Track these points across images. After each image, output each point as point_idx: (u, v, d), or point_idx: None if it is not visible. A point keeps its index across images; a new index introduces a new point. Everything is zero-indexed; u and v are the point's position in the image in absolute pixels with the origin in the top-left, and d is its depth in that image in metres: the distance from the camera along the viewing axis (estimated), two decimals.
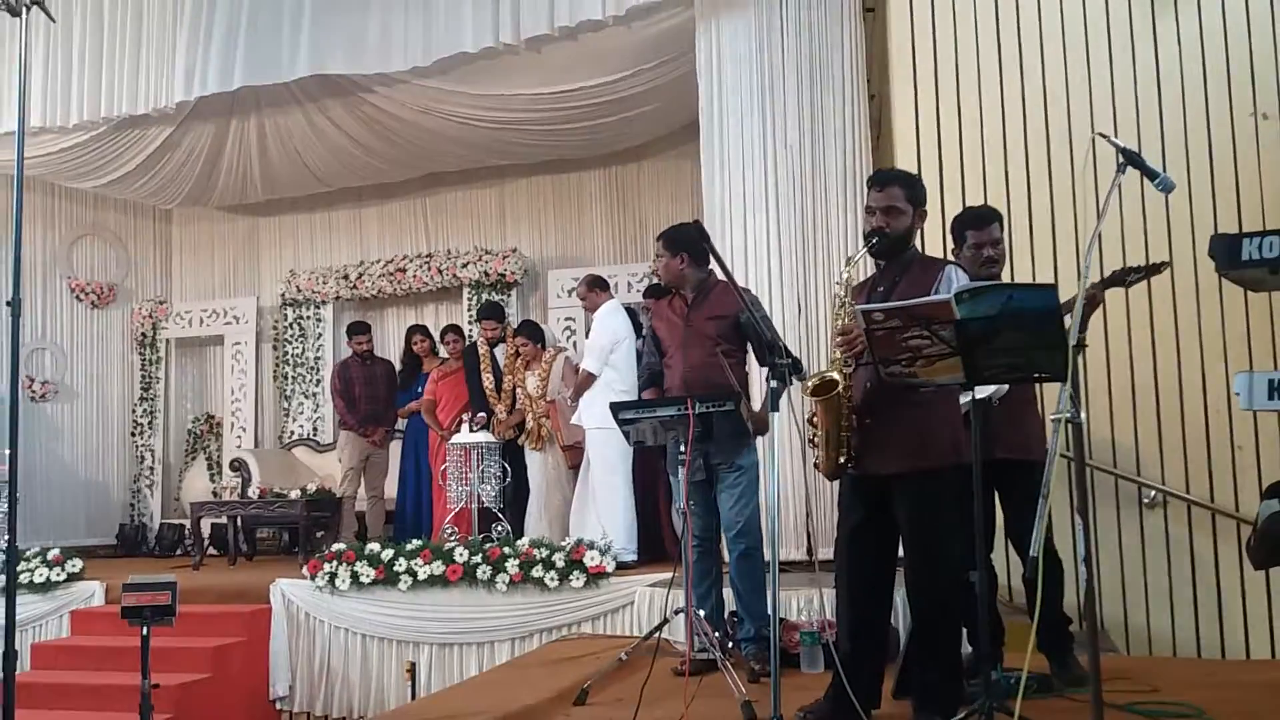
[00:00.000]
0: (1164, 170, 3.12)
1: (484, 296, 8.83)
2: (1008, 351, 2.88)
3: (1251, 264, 2.49)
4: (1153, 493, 5.18)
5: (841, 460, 3.33)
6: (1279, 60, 5.26)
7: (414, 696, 5.51)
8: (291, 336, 9.82)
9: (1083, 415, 2.95)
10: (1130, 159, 3.06)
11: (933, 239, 5.27)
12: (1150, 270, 3.77)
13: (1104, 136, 3.17)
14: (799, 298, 6.00)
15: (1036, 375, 3.19)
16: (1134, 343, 5.25)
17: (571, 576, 5.54)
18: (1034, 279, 5.12)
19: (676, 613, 4.10)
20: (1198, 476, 5.16)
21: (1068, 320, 2.91)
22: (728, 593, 4.52)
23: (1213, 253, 2.81)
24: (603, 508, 6.11)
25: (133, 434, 10.03)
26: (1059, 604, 3.82)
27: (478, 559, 5.70)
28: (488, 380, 7.22)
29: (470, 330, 8.49)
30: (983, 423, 3.74)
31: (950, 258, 4.02)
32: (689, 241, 4.44)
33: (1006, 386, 3.69)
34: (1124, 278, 3.76)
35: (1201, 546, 5.13)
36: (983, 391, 3.70)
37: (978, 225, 3.93)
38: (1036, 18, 5.57)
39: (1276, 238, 2.62)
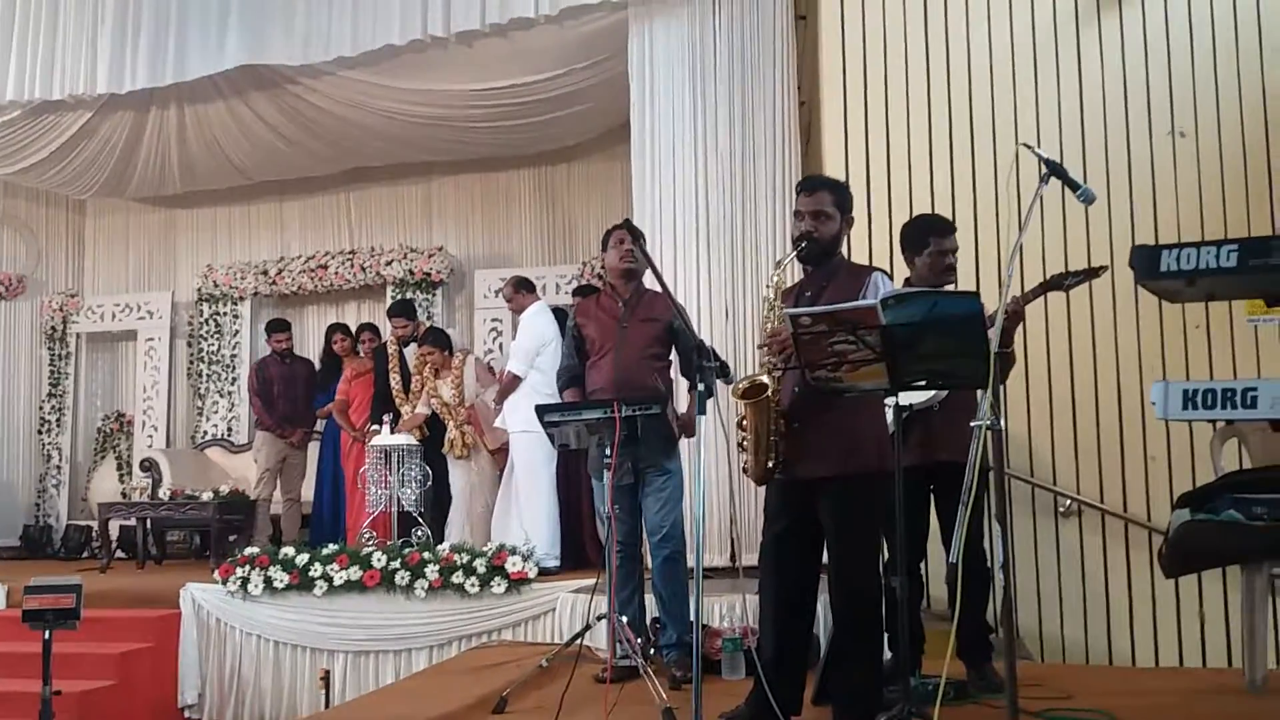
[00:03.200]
0: (1085, 183, 3.15)
1: (409, 295, 8.68)
2: (931, 358, 2.90)
3: (1170, 275, 2.52)
4: (1068, 502, 5.26)
5: (770, 465, 3.31)
6: (1196, 81, 5.39)
7: (328, 705, 5.37)
8: (207, 333, 9.57)
9: (1002, 423, 2.97)
10: (1053, 170, 3.10)
11: (859, 246, 5.31)
12: (1088, 274, 3.82)
13: (1028, 147, 3.21)
14: (728, 302, 6.02)
15: (959, 382, 3.21)
16: (1052, 353, 5.33)
17: (493, 583, 5.45)
18: (956, 287, 5.16)
19: (598, 619, 4.04)
20: (1112, 486, 5.26)
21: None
22: (650, 599, 4.48)
23: (1133, 263, 2.85)
24: (526, 513, 6.03)
25: (39, 431, 9.68)
26: (982, 612, 3.85)
27: (396, 564, 5.58)
28: (395, 380, 7.09)
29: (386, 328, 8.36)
30: (923, 427, 3.80)
31: (877, 265, 4.04)
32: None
33: (944, 393, 3.72)
34: (1062, 281, 3.80)
35: (1115, 555, 5.22)
36: (920, 397, 3.74)
37: (942, 232, 3.97)
38: (964, 30, 5.64)
39: (1194, 250, 2.66)
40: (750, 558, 5.12)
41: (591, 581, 4.24)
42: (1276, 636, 4.55)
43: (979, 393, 2.95)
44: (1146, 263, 2.47)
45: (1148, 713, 3.43)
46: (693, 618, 3.22)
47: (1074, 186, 3.09)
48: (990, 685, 3.66)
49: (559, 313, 6.44)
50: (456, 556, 5.56)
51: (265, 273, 9.39)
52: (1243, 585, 3.76)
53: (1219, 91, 5.36)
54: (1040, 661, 4.99)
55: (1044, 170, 3.08)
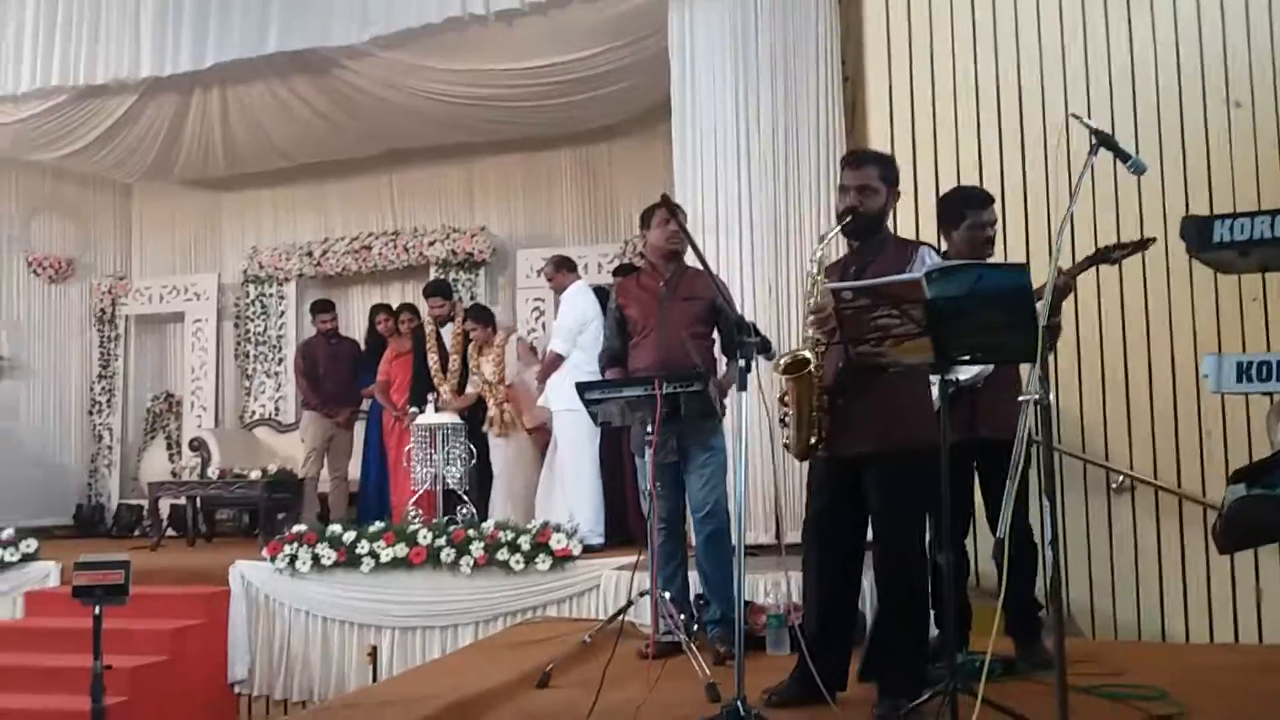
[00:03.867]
0: (1136, 153, 3.08)
1: (452, 275, 8.72)
2: (978, 332, 2.84)
3: (1223, 246, 2.46)
4: (1121, 478, 5.18)
5: (812, 441, 3.29)
6: (1252, 50, 5.25)
7: (375, 680, 5.43)
8: (254, 314, 9.68)
9: (1051, 397, 2.92)
10: (1103, 140, 3.02)
11: (905, 220, 5.23)
12: (1137, 246, 3.75)
13: (1077, 118, 3.13)
14: (770, 279, 5.97)
15: (1006, 356, 3.16)
16: (1105, 327, 5.24)
17: (537, 559, 5.47)
18: (1006, 259, 5.08)
19: (641, 595, 4.05)
20: (1166, 462, 5.17)
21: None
22: (694, 575, 4.48)
23: (1184, 234, 2.78)
24: (570, 490, 6.05)
25: (90, 412, 9.85)
26: (1030, 588, 3.80)
27: (441, 542, 5.61)
28: (433, 360, 7.11)
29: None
30: (969, 403, 3.75)
31: (924, 239, 3.98)
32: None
33: (990, 368, 3.66)
34: (1110, 254, 3.73)
35: (1168, 532, 5.14)
36: (966, 373, 3.69)
37: (980, 205, 3.92)
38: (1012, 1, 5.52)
39: (1247, 220, 2.60)
40: (794, 535, 5.09)
41: (635, 558, 4.24)
42: None
43: (1024, 368, 2.90)
44: (1199, 234, 2.41)
45: (1202, 689, 3.37)
46: (736, 594, 3.20)
47: (1124, 157, 3.01)
48: (1039, 662, 3.62)
49: (600, 292, 6.43)
50: (501, 534, 5.58)
51: (310, 254, 9.47)
52: None
53: (1276, 61, 5.21)
54: (1092, 638, 4.94)
55: (1094, 141, 3.01)
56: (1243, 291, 5.09)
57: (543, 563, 5.46)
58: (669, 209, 4.07)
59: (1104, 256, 3.72)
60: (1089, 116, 4.92)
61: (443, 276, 8.64)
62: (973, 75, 5.55)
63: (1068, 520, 5.14)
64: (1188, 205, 5.15)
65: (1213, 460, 5.05)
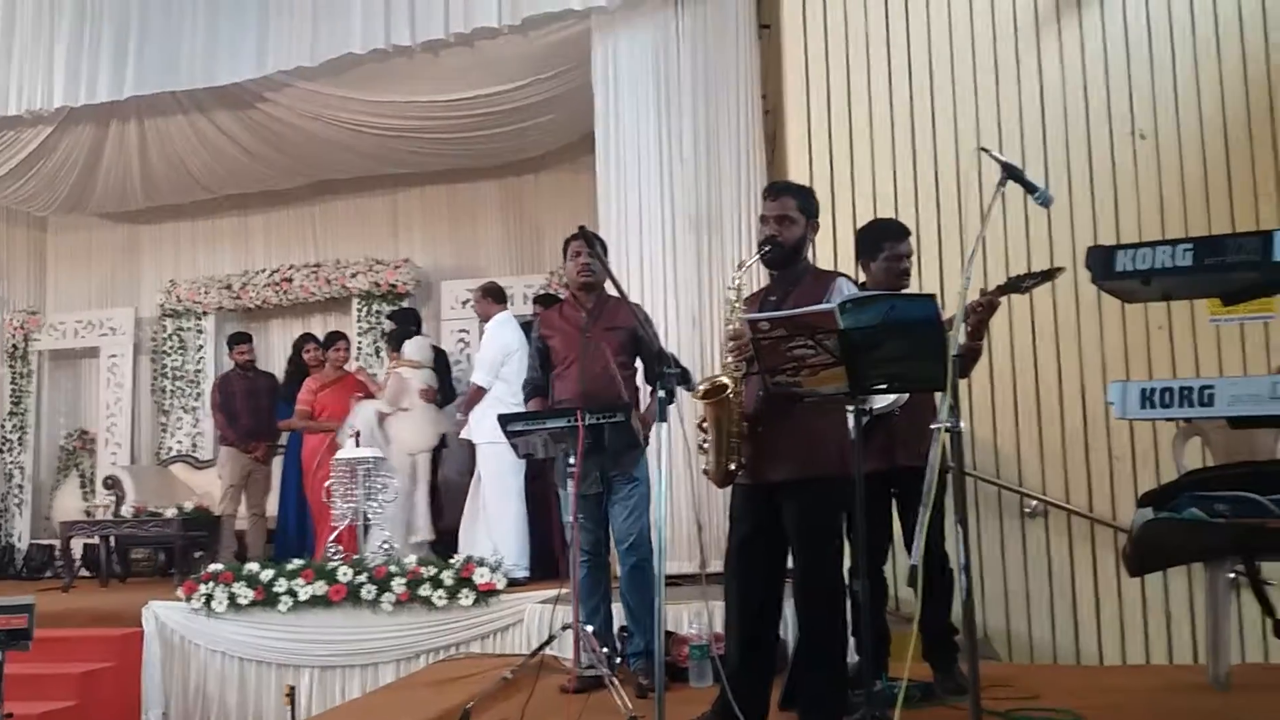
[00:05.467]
0: (1046, 185, 3.16)
1: (374, 307, 8.64)
2: (890, 361, 2.89)
3: (1125, 275, 2.53)
4: (1034, 502, 5.28)
5: (731, 467, 3.31)
6: (1155, 83, 5.44)
7: None
8: (171, 349, 9.46)
9: (963, 424, 2.97)
10: (1011, 173, 3.10)
11: (825, 252, 5.31)
12: (1046, 275, 3.83)
13: (986, 151, 3.21)
14: (694, 309, 6.01)
15: (917, 385, 3.21)
16: (1016, 355, 5.36)
17: (460, 595, 5.40)
18: (922, 290, 5.18)
19: (563, 629, 4.01)
20: (1077, 486, 5.28)
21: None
22: (619, 607, 4.46)
23: (1089, 264, 2.86)
24: (494, 523, 5.98)
25: (1, 451, 9.52)
26: (946, 614, 3.85)
27: (362, 578, 5.52)
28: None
29: (359, 342, 8.32)
30: (885, 432, 3.80)
31: (843, 271, 4.04)
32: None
33: (905, 396, 3.72)
34: (1020, 283, 3.81)
35: (1081, 555, 5.24)
36: (881, 402, 3.75)
37: (896, 237, 3.99)
38: (926, 35, 5.67)
39: (1149, 250, 2.67)
40: (718, 564, 5.10)
41: (558, 592, 4.20)
42: (1241, 632, 4.59)
43: (939, 396, 2.95)
44: (1102, 263, 2.47)
45: (1113, 711, 3.43)
46: (655, 625, 3.19)
47: (1031, 189, 3.10)
48: (956, 686, 3.65)
49: (526, 324, 6.41)
50: (423, 569, 5.50)
51: (229, 287, 9.31)
52: (1206, 582, 3.79)
53: (1179, 95, 5.41)
54: (1008, 662, 5.00)
55: (1002, 174, 3.10)
56: (1149, 320, 5.25)
57: (466, 598, 5.39)
58: (584, 240, 4.08)
59: (1014, 286, 3.81)
60: (1000, 150, 5.05)
61: (365, 309, 8.56)
62: (888, 109, 5.67)
63: (983, 545, 5.24)
64: (1096, 235, 5.30)
65: (1123, 485, 5.18)
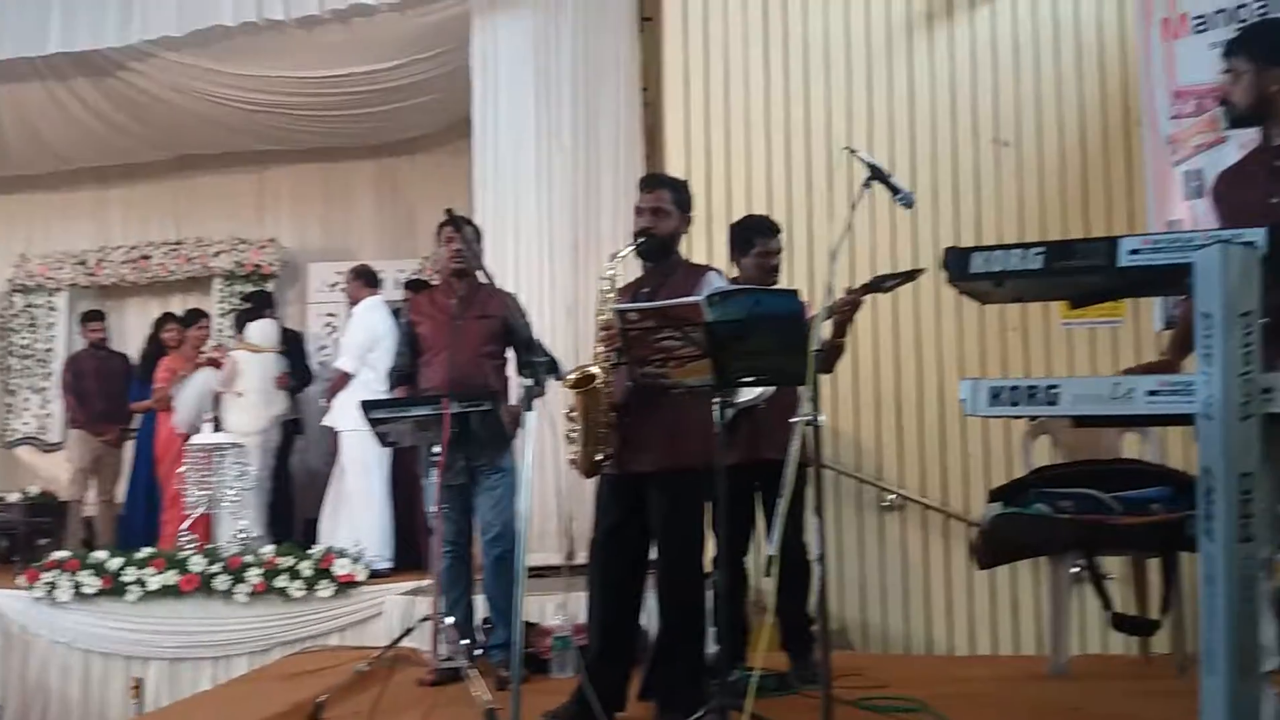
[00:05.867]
0: (913, 188, 3.24)
1: (237, 288, 8.35)
2: (754, 355, 2.93)
3: (979, 277, 2.58)
4: (892, 496, 5.42)
5: (598, 458, 3.32)
6: (1019, 93, 5.63)
7: (139, 714, 5.09)
8: (19, 326, 8.96)
9: (824, 419, 3.03)
10: (876, 174, 3.17)
11: (700, 246, 5.32)
12: (907, 276, 3.93)
13: (852, 151, 3.27)
14: (571, 299, 5.99)
15: (781, 379, 3.26)
16: (879, 352, 5.49)
17: (319, 586, 5.26)
18: (792, 285, 5.25)
19: (422, 621, 3.95)
20: (933, 481, 5.44)
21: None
22: (482, 599, 4.41)
23: (945, 264, 2.93)
24: (357, 514, 5.86)
25: None
26: (803, 604, 3.91)
27: (216, 568, 5.33)
28: None
29: (219, 324, 8.04)
30: (751, 425, 3.85)
31: (714, 264, 4.06)
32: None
33: (771, 390, 3.77)
34: (882, 283, 3.90)
35: (935, 548, 5.40)
36: (749, 394, 3.79)
37: (768, 233, 4.04)
38: (803, 37, 5.74)
39: (1003, 252, 2.73)
40: (586, 555, 5.10)
41: (418, 584, 4.14)
42: (1083, 624, 4.78)
43: (802, 390, 3.00)
44: (958, 264, 2.51)
45: (957, 699, 3.54)
46: (518, 615, 3.16)
47: (894, 190, 3.17)
48: (811, 676, 3.71)
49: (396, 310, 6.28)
50: (280, 560, 5.34)
51: (84, 263, 8.86)
52: (1049, 576, 3.95)
53: (1041, 102, 5.61)
54: (863, 651, 5.13)
55: (867, 174, 3.16)
56: (1005, 322, 5.44)
57: (325, 589, 5.26)
58: (454, 224, 4.00)
59: (877, 285, 3.90)
60: (870, 152, 5.15)
61: (227, 289, 8.27)
62: (765, 107, 5.73)
63: (843, 537, 5.37)
64: (959, 238, 5.46)
65: (976, 480, 5.34)
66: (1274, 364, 2.04)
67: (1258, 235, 2.06)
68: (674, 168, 5.63)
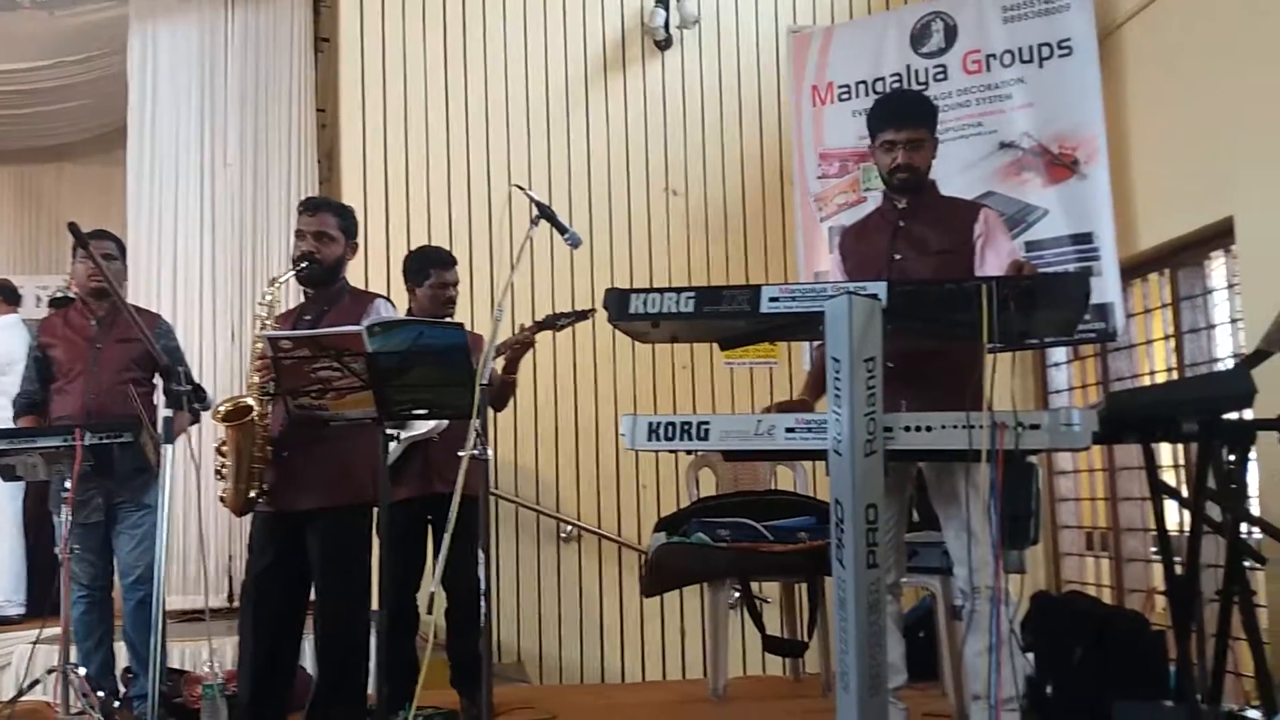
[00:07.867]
0: (590, 232, 3.31)
1: None
2: (418, 387, 2.89)
3: (637, 317, 2.69)
4: (569, 528, 5.51)
5: (252, 495, 3.15)
6: (687, 146, 5.92)
7: None
8: None
9: (490, 452, 3.02)
10: (543, 212, 3.22)
11: (376, 274, 5.20)
12: (579, 315, 4.02)
13: (521, 189, 3.32)
14: (234, 324, 5.68)
15: (446, 412, 3.23)
16: (558, 388, 5.58)
17: None
18: (472, 318, 5.24)
19: (49, 672, 3.57)
20: (609, 512, 5.59)
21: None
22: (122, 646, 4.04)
23: (606, 305, 3.03)
24: None
25: None
26: (475, 640, 3.87)
27: None
28: None
29: None
30: (423, 458, 3.77)
31: (390, 294, 3.97)
32: None
33: (445, 423, 3.71)
34: (555, 321, 3.96)
35: (609, 578, 5.54)
36: (421, 428, 3.72)
37: (443, 265, 4.00)
38: (483, 73, 5.75)
39: (658, 295, 2.85)
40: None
41: (42, 632, 3.74)
42: (743, 647, 5.04)
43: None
44: (618, 305, 2.61)
45: None
46: (159, 662, 2.93)
47: (562, 230, 3.24)
48: (479, 713, 3.68)
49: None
50: None
51: None
52: (707, 602, 4.14)
53: (706, 155, 5.93)
54: (538, 684, 5.16)
55: (534, 213, 3.20)
56: (675, 361, 5.69)
57: None
58: (78, 240, 3.57)
59: (550, 323, 3.97)
60: (547, 193, 5.29)
61: None
62: (444, 137, 5.69)
63: (521, 570, 5.39)
64: (632, 281, 5.66)
65: (648, 511, 5.51)
66: (895, 405, 2.26)
67: (880, 288, 2.29)
68: (350, 193, 5.47)
